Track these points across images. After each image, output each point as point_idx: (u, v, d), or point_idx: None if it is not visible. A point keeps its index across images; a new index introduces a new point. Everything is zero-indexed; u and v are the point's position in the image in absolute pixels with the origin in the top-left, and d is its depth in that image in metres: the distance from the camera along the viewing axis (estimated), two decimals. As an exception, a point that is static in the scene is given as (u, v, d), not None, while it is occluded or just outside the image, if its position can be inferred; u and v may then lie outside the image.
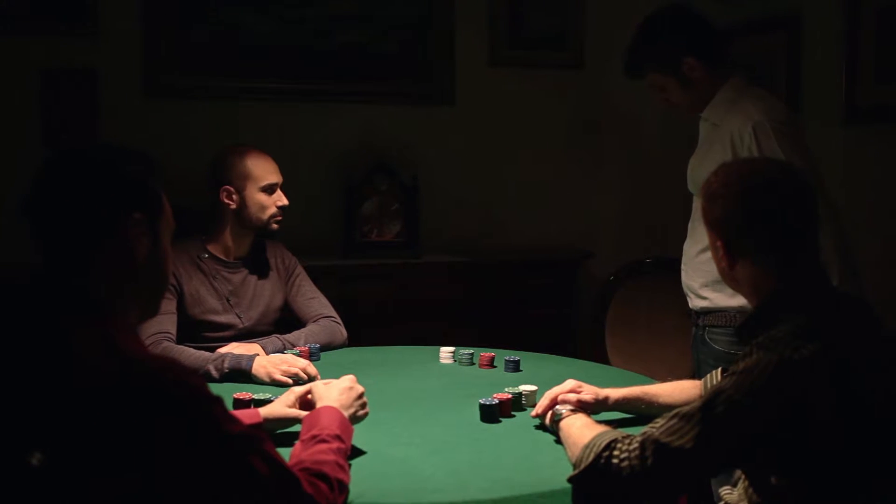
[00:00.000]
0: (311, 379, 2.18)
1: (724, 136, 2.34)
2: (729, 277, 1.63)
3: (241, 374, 2.24)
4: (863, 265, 3.02)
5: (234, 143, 2.71)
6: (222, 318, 2.56)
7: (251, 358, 2.27)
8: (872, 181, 3.02)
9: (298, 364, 2.24)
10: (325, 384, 1.72)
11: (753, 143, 2.25)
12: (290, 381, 2.21)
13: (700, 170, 2.38)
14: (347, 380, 1.72)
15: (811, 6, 3.24)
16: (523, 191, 3.97)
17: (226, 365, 2.25)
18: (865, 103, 3.02)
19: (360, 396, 1.70)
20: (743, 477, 1.62)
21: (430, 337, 2.93)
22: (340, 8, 3.69)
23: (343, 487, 1.38)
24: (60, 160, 1.29)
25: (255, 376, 2.23)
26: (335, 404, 1.60)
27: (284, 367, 2.23)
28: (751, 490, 1.56)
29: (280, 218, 2.64)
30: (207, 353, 2.30)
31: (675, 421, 1.42)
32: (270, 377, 2.21)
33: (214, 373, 2.23)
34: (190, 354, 2.29)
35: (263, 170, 2.60)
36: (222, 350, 2.36)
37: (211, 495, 1.16)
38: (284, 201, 2.62)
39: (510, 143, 3.94)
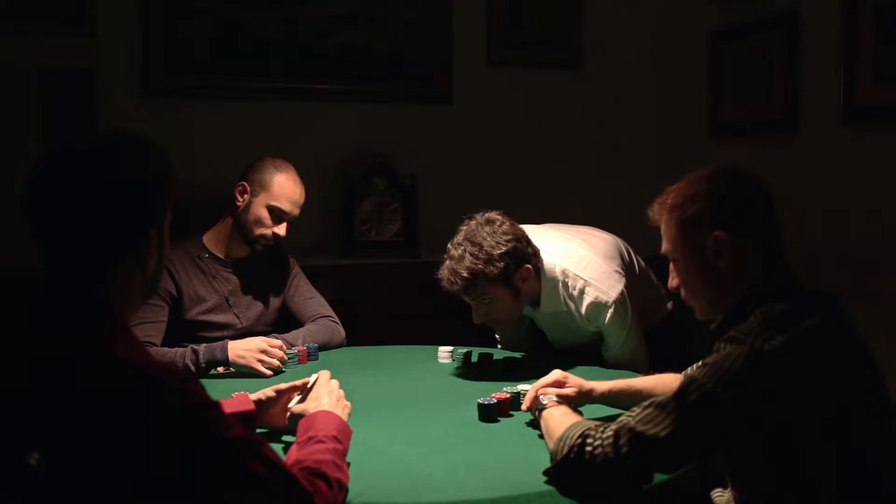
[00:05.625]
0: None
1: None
2: (712, 281, 1.58)
3: (219, 363, 2.29)
4: (862, 264, 3.04)
5: (276, 157, 2.68)
6: (221, 318, 2.56)
7: (224, 347, 2.29)
8: (871, 181, 3.02)
9: (276, 354, 2.31)
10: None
11: None
12: (270, 372, 2.29)
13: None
14: (325, 378, 1.71)
15: (810, 6, 3.24)
16: (521, 190, 3.96)
17: (201, 359, 2.28)
18: (864, 103, 3.02)
19: (337, 391, 1.69)
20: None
21: (429, 336, 2.93)
22: (340, 8, 3.68)
23: (342, 487, 1.38)
24: (71, 167, 1.22)
25: (234, 364, 2.27)
26: (328, 408, 1.60)
27: (264, 358, 2.29)
28: (735, 492, 1.57)
29: (270, 243, 2.61)
30: (181, 350, 2.32)
31: (650, 410, 1.44)
32: (250, 367, 2.27)
33: (192, 368, 2.26)
34: (164, 353, 2.30)
35: (283, 193, 2.58)
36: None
37: (210, 500, 1.16)
38: (282, 233, 2.60)
39: (508, 142, 3.94)
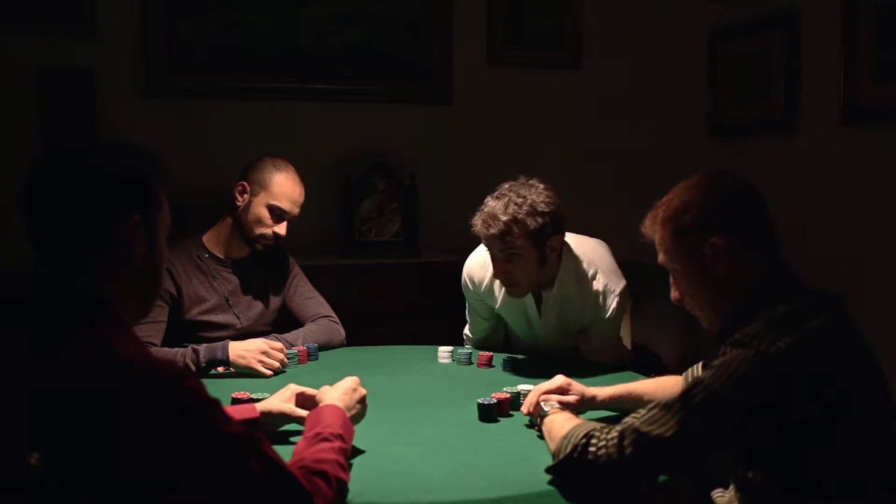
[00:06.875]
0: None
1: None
2: (713, 288, 1.58)
3: (219, 363, 2.30)
4: (863, 266, 3.04)
5: (275, 157, 2.68)
6: (221, 318, 2.56)
7: (224, 347, 2.29)
8: (871, 181, 3.02)
9: (276, 357, 2.32)
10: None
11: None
12: (270, 372, 2.29)
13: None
14: (351, 381, 1.72)
15: (810, 6, 3.24)
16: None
17: (202, 358, 2.28)
18: (864, 103, 3.02)
19: (363, 400, 1.71)
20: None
21: (429, 336, 2.93)
22: (340, 8, 3.68)
23: (343, 486, 1.38)
24: (59, 157, 1.27)
25: (234, 364, 2.28)
26: (338, 403, 1.61)
27: (264, 359, 2.29)
28: (739, 494, 1.57)
29: (270, 243, 2.61)
30: (181, 350, 2.32)
31: (655, 411, 1.44)
32: (250, 367, 2.27)
33: (192, 367, 2.26)
34: (165, 353, 2.30)
35: (283, 192, 2.58)
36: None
37: (208, 496, 1.16)
38: (282, 232, 2.60)
39: (508, 142, 3.94)
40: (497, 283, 2.52)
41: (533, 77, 3.99)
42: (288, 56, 3.62)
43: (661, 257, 1.65)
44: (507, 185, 2.36)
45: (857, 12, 3.01)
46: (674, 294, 1.67)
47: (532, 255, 2.31)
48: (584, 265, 2.46)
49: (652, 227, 1.65)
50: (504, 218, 2.26)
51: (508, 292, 2.45)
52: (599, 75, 4.06)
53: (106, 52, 3.40)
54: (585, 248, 2.51)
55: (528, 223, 2.26)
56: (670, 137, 4.04)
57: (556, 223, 2.33)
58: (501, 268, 2.34)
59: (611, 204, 4.02)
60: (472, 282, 2.61)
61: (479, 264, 2.60)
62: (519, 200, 2.28)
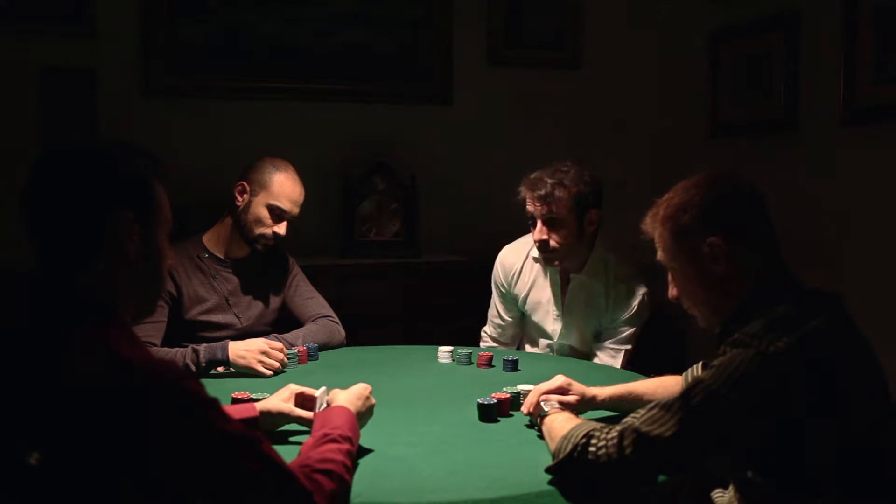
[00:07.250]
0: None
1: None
2: (711, 288, 1.58)
3: (219, 363, 2.30)
4: (863, 266, 3.04)
5: (275, 157, 2.67)
6: (221, 318, 2.56)
7: (224, 347, 2.29)
8: (871, 181, 3.02)
9: (276, 357, 2.32)
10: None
11: None
12: (270, 372, 2.30)
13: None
14: (363, 388, 1.73)
15: (810, 6, 3.24)
16: (522, 190, 3.97)
17: (202, 358, 2.29)
18: (864, 103, 3.02)
19: (370, 409, 1.72)
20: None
21: (429, 336, 2.93)
22: (340, 8, 3.68)
23: (345, 487, 1.38)
24: (54, 157, 1.27)
25: (234, 364, 2.29)
26: (349, 407, 1.61)
27: (264, 359, 2.29)
28: (739, 494, 1.57)
29: (270, 243, 2.61)
30: (181, 350, 2.32)
31: (655, 411, 1.45)
32: (250, 367, 2.28)
33: (192, 367, 2.26)
34: (165, 353, 2.30)
35: (283, 192, 2.58)
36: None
37: (207, 496, 1.16)
38: (282, 232, 2.60)
39: (508, 142, 3.94)
40: (527, 267, 2.65)
41: (533, 77, 3.98)
42: (288, 56, 3.62)
43: (659, 255, 1.65)
44: (549, 165, 2.54)
45: (857, 12, 3.01)
46: (672, 292, 1.67)
47: (572, 222, 2.48)
48: (614, 260, 2.59)
49: (652, 225, 1.65)
50: (550, 180, 2.46)
51: (544, 259, 2.57)
52: (600, 75, 4.06)
53: (106, 52, 3.40)
54: (615, 249, 2.63)
55: (572, 188, 2.46)
56: (670, 137, 4.04)
57: (597, 195, 2.51)
58: (542, 229, 2.48)
59: (610, 204, 4.02)
60: (503, 266, 2.73)
61: (512, 250, 2.75)
62: (565, 168, 2.50)
